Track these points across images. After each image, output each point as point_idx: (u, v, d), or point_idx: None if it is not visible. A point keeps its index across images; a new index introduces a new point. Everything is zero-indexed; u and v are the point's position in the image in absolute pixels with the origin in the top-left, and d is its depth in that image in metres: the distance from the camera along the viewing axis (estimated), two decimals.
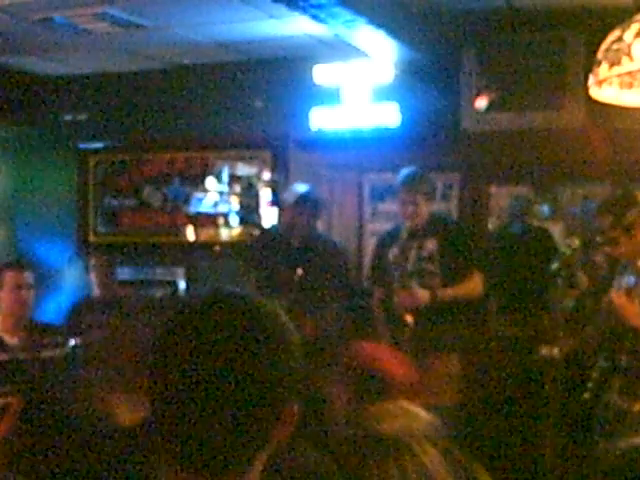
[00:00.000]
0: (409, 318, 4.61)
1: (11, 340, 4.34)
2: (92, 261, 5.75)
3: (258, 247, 5.43)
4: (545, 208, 6.12)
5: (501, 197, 6.15)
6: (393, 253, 4.83)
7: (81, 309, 5.43)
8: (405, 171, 4.80)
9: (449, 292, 4.65)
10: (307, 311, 4.99)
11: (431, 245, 4.72)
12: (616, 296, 3.71)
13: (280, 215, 5.92)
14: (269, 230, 5.79)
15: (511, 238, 5.96)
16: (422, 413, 2.47)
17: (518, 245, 5.91)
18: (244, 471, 1.17)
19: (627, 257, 3.86)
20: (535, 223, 6.01)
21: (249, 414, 1.14)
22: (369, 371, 2.40)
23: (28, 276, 4.44)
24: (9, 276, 4.40)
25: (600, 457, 2.46)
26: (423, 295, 4.61)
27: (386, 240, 4.96)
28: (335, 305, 5.07)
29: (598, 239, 4.07)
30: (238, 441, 1.14)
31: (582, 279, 5.31)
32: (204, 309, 1.18)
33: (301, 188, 5.27)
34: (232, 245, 6.65)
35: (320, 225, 5.52)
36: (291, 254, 5.14)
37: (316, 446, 2.50)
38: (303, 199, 5.10)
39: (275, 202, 6.43)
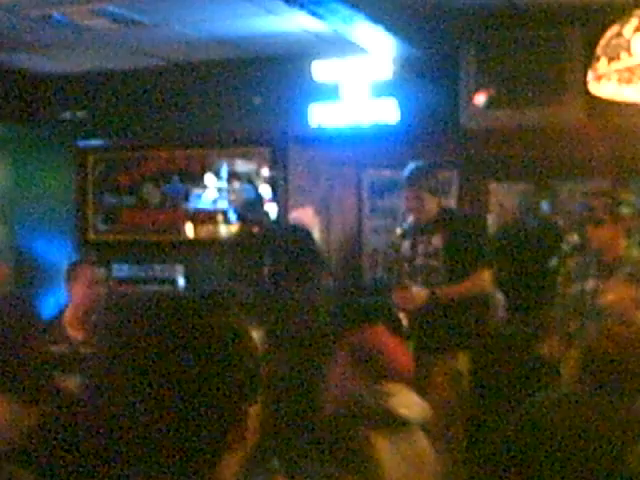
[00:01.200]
0: (404, 318, 4.52)
1: (75, 334, 4.31)
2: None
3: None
4: (544, 204, 6.12)
5: (500, 193, 6.15)
6: (404, 247, 4.73)
7: None
8: (411, 166, 4.69)
9: (450, 291, 4.47)
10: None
11: (436, 241, 4.58)
12: None
13: None
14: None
15: (524, 233, 5.91)
16: (416, 398, 2.54)
17: (531, 240, 5.86)
18: (206, 473, 1.16)
19: (599, 244, 4.08)
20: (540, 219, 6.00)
21: (204, 415, 1.14)
22: (374, 354, 2.51)
23: (101, 272, 4.45)
24: (83, 271, 4.39)
25: (624, 462, 2.52)
26: (420, 295, 4.43)
27: (402, 233, 4.83)
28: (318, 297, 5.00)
29: (584, 215, 4.17)
30: (195, 443, 1.14)
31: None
32: (157, 313, 1.18)
33: None
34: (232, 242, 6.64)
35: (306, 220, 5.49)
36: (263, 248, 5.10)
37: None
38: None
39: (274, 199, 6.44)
